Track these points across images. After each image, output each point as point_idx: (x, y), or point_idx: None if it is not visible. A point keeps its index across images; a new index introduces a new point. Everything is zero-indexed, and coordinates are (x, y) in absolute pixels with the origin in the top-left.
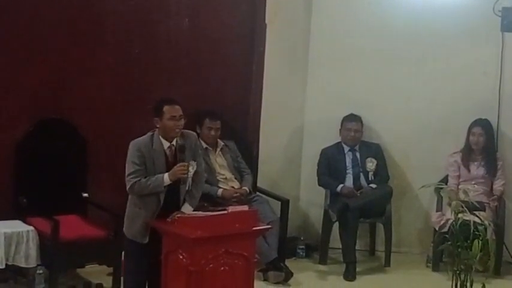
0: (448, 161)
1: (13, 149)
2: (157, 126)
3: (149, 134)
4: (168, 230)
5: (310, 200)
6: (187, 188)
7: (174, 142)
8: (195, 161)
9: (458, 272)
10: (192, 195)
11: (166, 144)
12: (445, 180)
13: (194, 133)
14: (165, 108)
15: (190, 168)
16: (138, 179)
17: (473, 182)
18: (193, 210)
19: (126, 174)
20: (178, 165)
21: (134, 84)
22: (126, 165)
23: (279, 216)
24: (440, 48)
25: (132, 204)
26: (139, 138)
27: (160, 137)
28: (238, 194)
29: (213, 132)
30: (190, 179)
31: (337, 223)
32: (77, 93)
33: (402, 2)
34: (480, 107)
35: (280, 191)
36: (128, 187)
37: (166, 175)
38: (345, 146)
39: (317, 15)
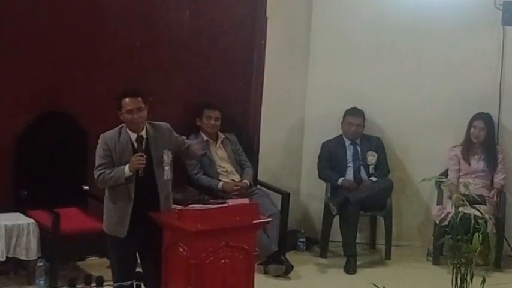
0: (448, 154)
1: (14, 142)
2: (121, 119)
3: (119, 126)
4: (169, 223)
5: (311, 193)
6: (165, 177)
7: (143, 133)
8: (170, 150)
9: (458, 265)
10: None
11: (133, 135)
12: (445, 173)
13: (166, 124)
14: (123, 101)
15: (165, 158)
16: (103, 171)
17: (473, 176)
18: (194, 204)
19: (94, 167)
20: (135, 155)
21: (135, 77)
22: (95, 158)
23: (279, 209)
24: (441, 42)
25: (106, 198)
26: (108, 131)
27: (127, 129)
28: (238, 187)
29: (212, 121)
30: (168, 168)
31: (337, 216)
32: (78, 86)
33: None
34: (481, 100)
35: (281, 184)
36: (95, 180)
37: (127, 166)
38: (345, 139)
39: (318, 9)
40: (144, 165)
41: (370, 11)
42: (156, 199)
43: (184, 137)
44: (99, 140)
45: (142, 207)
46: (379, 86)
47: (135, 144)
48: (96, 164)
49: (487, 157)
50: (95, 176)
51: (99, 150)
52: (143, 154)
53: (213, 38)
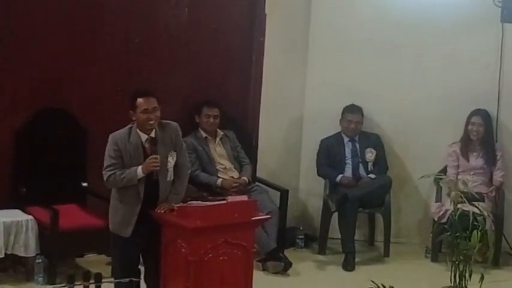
0: (447, 151)
1: (13, 138)
2: (133, 119)
3: (128, 126)
4: (168, 220)
5: (310, 190)
6: (168, 179)
7: (152, 134)
8: (175, 151)
9: (457, 262)
10: (175, 191)
11: (144, 136)
12: (444, 170)
13: (175, 123)
14: (138, 101)
15: (169, 159)
16: (113, 172)
17: (472, 173)
18: (193, 200)
19: (103, 167)
20: (149, 157)
21: (134, 74)
22: (104, 158)
23: (278, 206)
24: (440, 39)
25: (113, 197)
26: (118, 131)
27: (137, 129)
28: (237, 184)
29: (211, 120)
30: (171, 170)
31: (336, 213)
32: (77, 83)
33: None
34: (480, 97)
35: (280, 181)
36: (104, 180)
37: (139, 168)
38: (344, 136)
39: (317, 6)
40: (158, 168)
41: (369, 8)
42: (158, 199)
43: (186, 156)
44: (109, 140)
45: (146, 207)
46: (377, 83)
47: (146, 146)
48: (106, 164)
49: (485, 154)
50: (105, 177)
51: (109, 151)
52: (157, 157)
53: (212, 35)
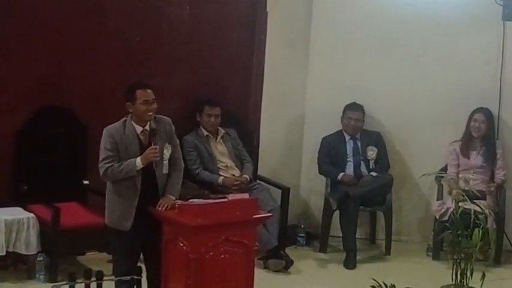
0: (448, 149)
1: (14, 137)
2: (130, 111)
3: (122, 119)
4: (168, 218)
5: (311, 188)
6: (164, 171)
7: (147, 126)
8: (169, 144)
9: (458, 260)
10: (171, 184)
11: (139, 129)
12: (445, 168)
13: (167, 118)
14: (138, 92)
15: (165, 151)
16: (111, 164)
17: (472, 171)
18: (193, 198)
19: (99, 160)
20: (149, 148)
21: (135, 71)
22: (100, 152)
23: (279, 204)
24: (441, 37)
25: (110, 192)
26: (112, 125)
27: (132, 122)
28: (238, 182)
29: (212, 119)
30: (166, 163)
31: (337, 211)
32: (78, 81)
33: None
34: (481, 95)
35: (281, 179)
36: (101, 173)
37: (138, 159)
38: (345, 134)
39: (318, 3)
40: (158, 158)
41: (370, 6)
42: (156, 192)
43: (179, 150)
44: (104, 133)
45: (144, 200)
46: (379, 81)
47: (141, 137)
48: (103, 157)
49: (485, 152)
50: (102, 170)
51: (105, 143)
52: (157, 147)
53: (213, 32)
